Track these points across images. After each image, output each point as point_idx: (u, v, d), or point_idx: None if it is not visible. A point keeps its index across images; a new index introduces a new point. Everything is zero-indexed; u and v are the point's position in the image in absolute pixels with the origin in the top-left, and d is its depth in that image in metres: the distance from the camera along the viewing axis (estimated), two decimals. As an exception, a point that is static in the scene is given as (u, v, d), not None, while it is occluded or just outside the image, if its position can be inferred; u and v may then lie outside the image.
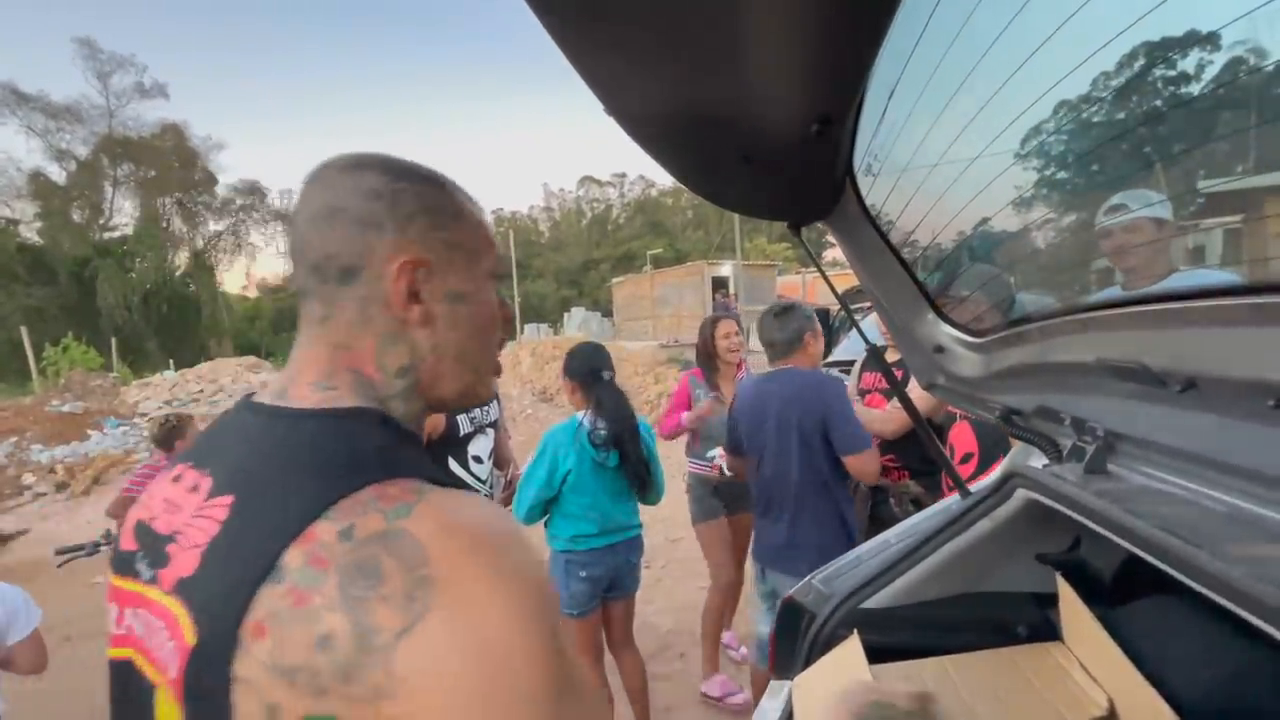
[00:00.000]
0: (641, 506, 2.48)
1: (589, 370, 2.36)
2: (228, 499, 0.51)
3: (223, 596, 0.46)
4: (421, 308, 0.60)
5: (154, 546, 0.54)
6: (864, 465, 2.13)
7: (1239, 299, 0.69)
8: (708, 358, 3.06)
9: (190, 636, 0.47)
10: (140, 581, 0.54)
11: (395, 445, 0.56)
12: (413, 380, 0.62)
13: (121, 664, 0.55)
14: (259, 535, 0.47)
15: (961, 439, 2.16)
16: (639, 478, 2.34)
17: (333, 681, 0.42)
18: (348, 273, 0.59)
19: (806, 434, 2.16)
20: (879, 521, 2.36)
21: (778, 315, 2.31)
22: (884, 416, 2.41)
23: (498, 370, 0.70)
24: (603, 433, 2.26)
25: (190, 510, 0.53)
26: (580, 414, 2.33)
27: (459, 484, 0.54)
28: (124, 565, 0.57)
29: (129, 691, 0.54)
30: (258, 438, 0.56)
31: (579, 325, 23.63)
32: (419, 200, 0.60)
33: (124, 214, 34.75)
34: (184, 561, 0.50)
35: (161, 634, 0.50)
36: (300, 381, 0.58)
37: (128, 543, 0.58)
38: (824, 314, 4.29)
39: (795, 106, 0.86)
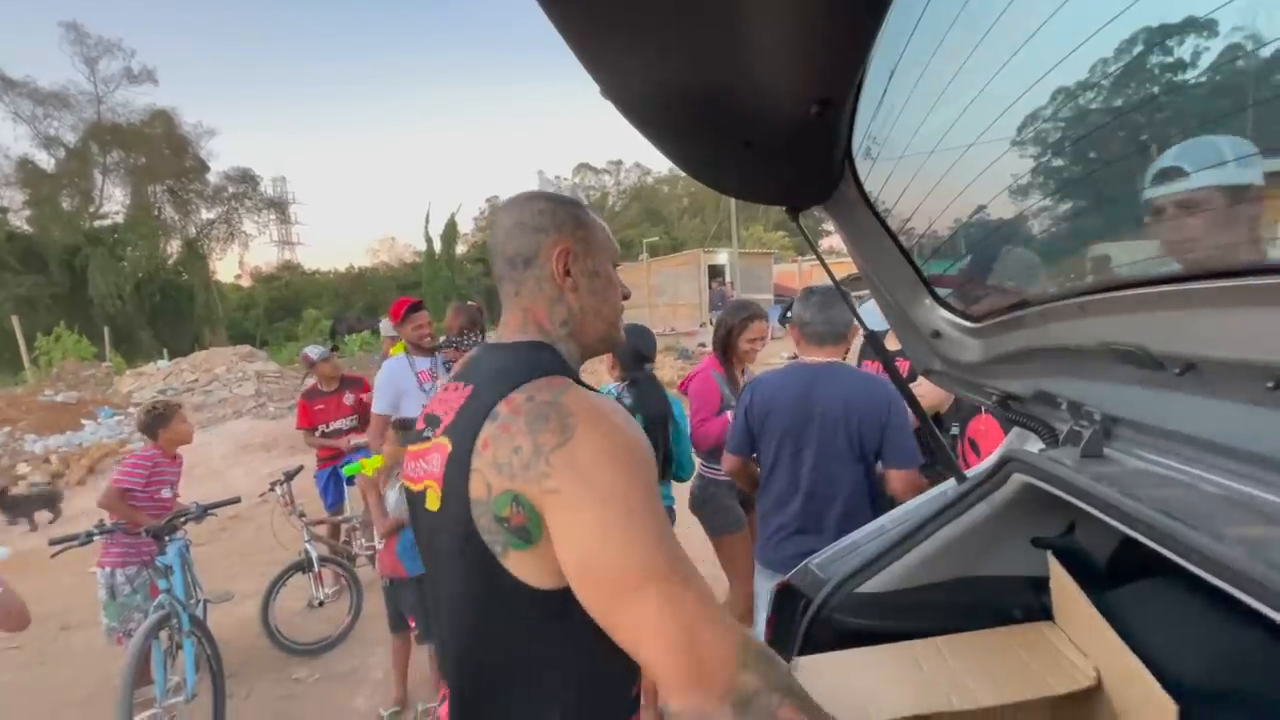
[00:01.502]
0: None
1: (634, 352, 2.55)
2: (470, 388, 0.91)
3: (466, 428, 0.85)
4: (571, 279, 0.97)
5: (434, 421, 0.94)
6: (909, 482, 1.97)
7: (1238, 280, 0.68)
8: (724, 352, 2.87)
9: (450, 448, 0.86)
10: (427, 441, 0.94)
11: (557, 363, 0.94)
12: (570, 329, 0.99)
13: (413, 490, 0.97)
14: (484, 400, 0.86)
15: (992, 438, 2.10)
16: (664, 463, 2.57)
17: (520, 470, 0.78)
18: (528, 261, 0.96)
19: (866, 441, 2.00)
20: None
21: (822, 297, 2.15)
22: None
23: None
24: (628, 403, 2.40)
25: (454, 400, 0.92)
26: (613, 385, 2.52)
27: (591, 388, 0.90)
28: (416, 437, 0.99)
29: (415, 500, 0.96)
30: (488, 359, 0.96)
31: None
32: (567, 213, 0.98)
33: (114, 202, 34.16)
34: (448, 420, 0.90)
35: (435, 457, 0.89)
36: (507, 331, 0.99)
37: (420, 425, 0.99)
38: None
39: (795, 88, 0.85)
